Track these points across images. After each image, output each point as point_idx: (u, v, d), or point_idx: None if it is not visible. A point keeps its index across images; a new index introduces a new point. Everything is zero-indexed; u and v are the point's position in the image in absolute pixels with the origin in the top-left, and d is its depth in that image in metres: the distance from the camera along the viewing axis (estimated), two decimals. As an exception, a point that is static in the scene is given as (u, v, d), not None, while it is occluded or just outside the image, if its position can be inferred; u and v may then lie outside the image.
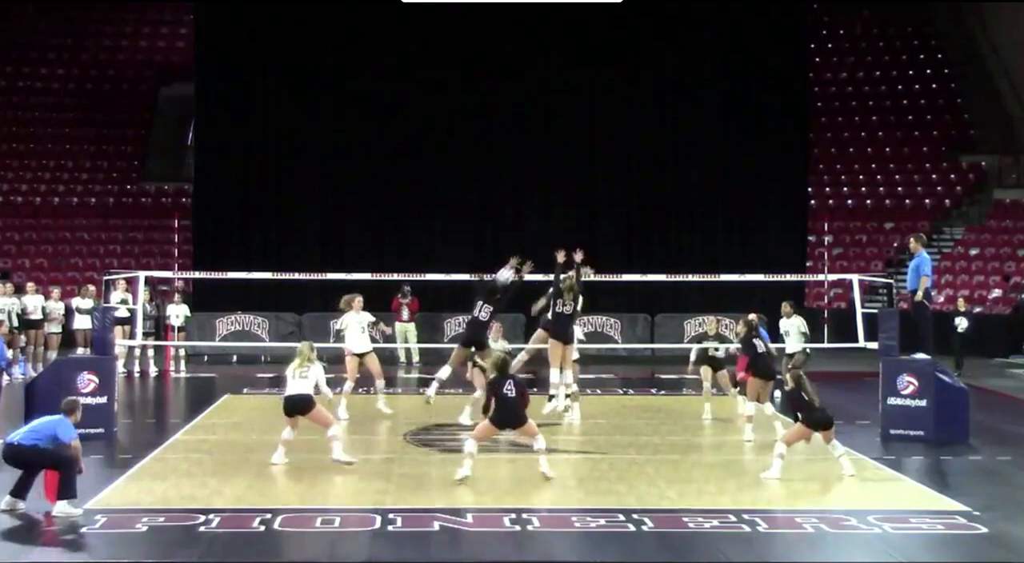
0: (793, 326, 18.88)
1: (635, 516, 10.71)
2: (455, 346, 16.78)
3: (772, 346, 16.15)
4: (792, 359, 18.35)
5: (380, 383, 16.64)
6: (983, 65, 36.22)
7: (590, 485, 12.12)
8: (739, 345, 16.08)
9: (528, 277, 16.27)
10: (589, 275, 16.22)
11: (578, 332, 16.24)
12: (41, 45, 37.30)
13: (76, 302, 22.60)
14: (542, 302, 15.70)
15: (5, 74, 36.44)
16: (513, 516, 10.70)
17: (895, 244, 31.98)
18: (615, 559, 9.61)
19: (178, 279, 25.97)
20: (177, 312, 23.42)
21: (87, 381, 14.91)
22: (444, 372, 16.08)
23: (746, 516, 10.81)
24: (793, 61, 29.61)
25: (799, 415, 12.82)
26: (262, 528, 10.29)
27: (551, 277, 15.52)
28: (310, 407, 12.92)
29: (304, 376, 13.01)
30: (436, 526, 10.41)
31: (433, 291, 24.84)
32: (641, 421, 16.80)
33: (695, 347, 17.38)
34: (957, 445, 14.79)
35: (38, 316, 22.39)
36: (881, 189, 34.57)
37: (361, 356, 16.55)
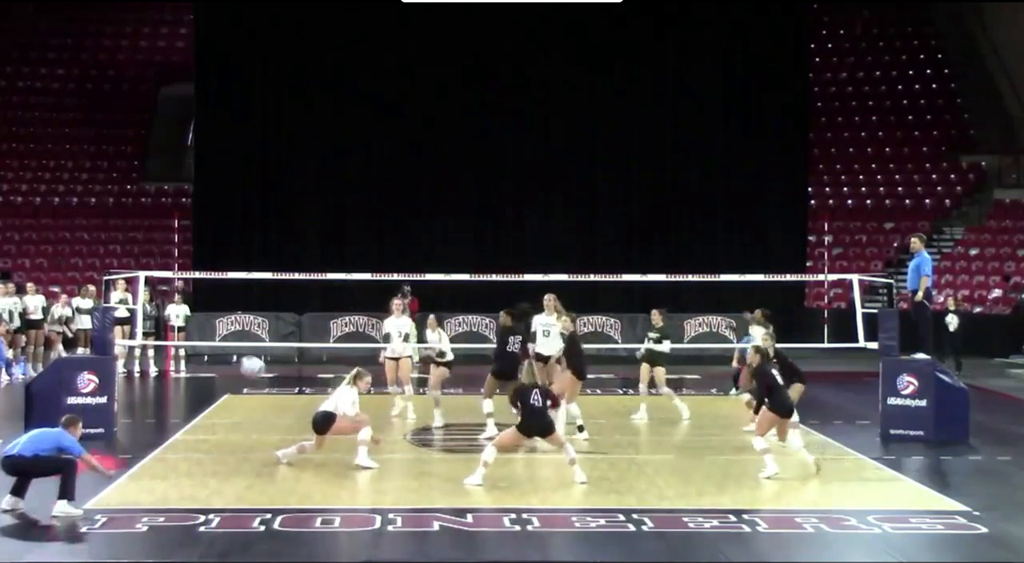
0: (758, 333, 18.27)
1: (635, 516, 10.70)
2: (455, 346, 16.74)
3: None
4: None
5: (407, 389, 16.66)
6: (983, 65, 36.24)
7: (590, 485, 12.09)
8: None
9: (529, 277, 16.16)
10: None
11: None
12: (41, 45, 37.36)
13: (76, 302, 22.66)
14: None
15: (5, 74, 36.47)
16: (513, 516, 10.69)
17: (895, 244, 31.99)
18: (615, 559, 9.60)
19: (178, 279, 25.97)
20: (177, 312, 23.41)
21: (87, 381, 14.87)
22: (490, 429, 14.64)
23: (746, 516, 10.79)
24: (793, 61, 29.65)
25: (766, 400, 12.68)
26: (262, 528, 10.27)
27: (551, 278, 15.39)
28: (330, 423, 12.91)
29: (334, 395, 13.05)
30: (436, 526, 10.39)
31: (433, 291, 24.82)
32: (641, 421, 16.77)
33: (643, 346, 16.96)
34: (957, 445, 14.77)
35: (38, 316, 22.40)
36: (881, 189, 34.58)
37: (396, 360, 16.59)
